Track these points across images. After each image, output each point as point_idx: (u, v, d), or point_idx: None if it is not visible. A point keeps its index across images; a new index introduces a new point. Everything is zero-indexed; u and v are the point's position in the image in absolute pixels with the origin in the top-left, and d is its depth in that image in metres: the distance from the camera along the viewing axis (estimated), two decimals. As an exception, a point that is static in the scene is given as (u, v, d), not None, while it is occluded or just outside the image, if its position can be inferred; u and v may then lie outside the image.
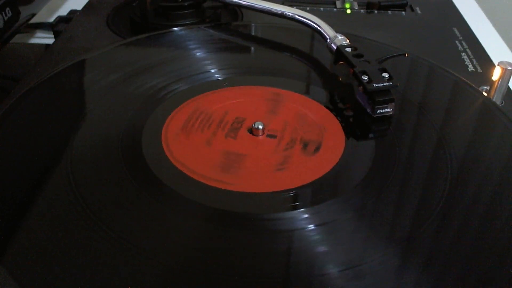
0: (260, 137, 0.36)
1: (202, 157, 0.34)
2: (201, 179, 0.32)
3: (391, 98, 0.38)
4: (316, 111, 0.39)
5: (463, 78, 0.43)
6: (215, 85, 0.42)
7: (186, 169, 0.33)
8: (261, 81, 0.43)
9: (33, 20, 0.56)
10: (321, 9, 0.62)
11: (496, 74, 0.41)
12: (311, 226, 0.29)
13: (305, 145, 0.36)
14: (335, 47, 0.43)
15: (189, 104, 0.39)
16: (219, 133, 0.36)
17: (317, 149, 0.35)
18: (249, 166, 0.34)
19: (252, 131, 0.37)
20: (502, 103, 0.43)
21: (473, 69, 0.49)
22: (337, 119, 0.39)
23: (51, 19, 0.60)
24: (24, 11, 0.52)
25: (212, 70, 0.44)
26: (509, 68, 0.41)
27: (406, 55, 0.45)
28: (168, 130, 0.37)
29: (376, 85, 0.38)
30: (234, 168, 0.34)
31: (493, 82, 0.42)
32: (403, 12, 0.62)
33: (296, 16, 0.48)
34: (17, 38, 0.56)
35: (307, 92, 0.42)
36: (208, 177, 0.32)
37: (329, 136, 0.37)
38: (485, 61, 0.51)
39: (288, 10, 0.48)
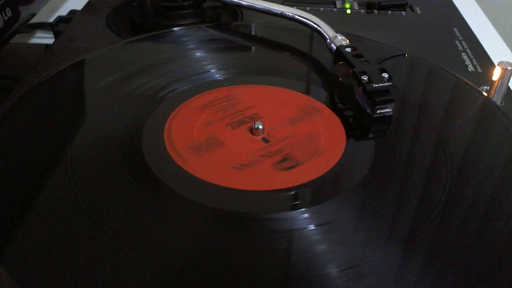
0: (256, 137, 0.36)
1: (190, 133, 0.36)
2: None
3: (391, 98, 0.38)
4: (330, 133, 0.37)
5: (463, 78, 0.43)
6: (215, 85, 0.42)
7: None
8: (261, 81, 0.43)
9: (33, 20, 0.56)
10: (321, 9, 0.62)
11: (496, 74, 0.41)
12: (311, 226, 0.29)
13: (283, 160, 0.34)
14: (335, 47, 0.43)
15: (222, 90, 0.40)
16: (225, 120, 0.37)
17: (290, 167, 0.34)
18: (215, 155, 0.34)
19: (251, 130, 0.37)
20: (502, 103, 0.43)
21: (473, 69, 0.49)
22: (338, 119, 0.39)
23: (51, 19, 0.60)
24: (24, 11, 0.52)
25: (212, 70, 0.44)
26: (509, 68, 0.41)
27: (406, 55, 0.45)
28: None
29: (376, 85, 0.38)
30: (202, 151, 0.34)
31: (493, 82, 0.42)
32: (403, 12, 0.62)
33: (296, 16, 0.48)
34: (17, 38, 0.56)
35: (307, 92, 0.42)
36: (178, 153, 0.33)
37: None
38: (485, 61, 0.51)
39: (288, 10, 0.48)
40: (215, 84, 0.42)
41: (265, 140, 0.36)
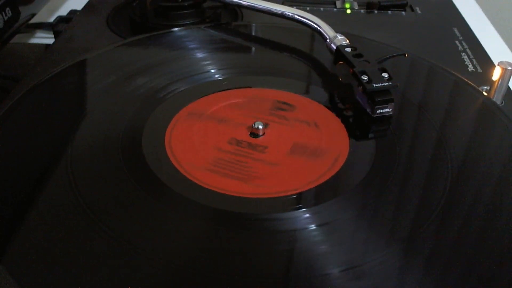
0: (259, 137, 0.36)
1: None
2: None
3: (391, 98, 0.38)
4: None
5: (463, 78, 0.43)
6: (215, 85, 0.42)
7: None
8: (261, 81, 0.43)
9: (33, 20, 0.56)
10: (321, 9, 0.62)
11: (496, 74, 0.41)
12: (312, 226, 0.29)
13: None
14: (334, 47, 0.43)
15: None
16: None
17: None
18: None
19: (252, 131, 0.37)
20: (502, 103, 0.43)
21: (473, 69, 0.49)
22: (338, 119, 0.39)
23: (51, 19, 0.60)
24: (24, 11, 0.52)
25: (212, 70, 0.44)
26: (509, 68, 0.41)
27: (406, 55, 0.45)
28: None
29: (376, 85, 0.38)
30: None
31: (493, 82, 0.42)
32: (403, 12, 0.62)
33: (296, 16, 0.48)
34: (17, 38, 0.56)
35: (307, 92, 0.42)
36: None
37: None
38: (485, 61, 0.51)
39: (288, 10, 0.48)
40: (215, 84, 0.42)
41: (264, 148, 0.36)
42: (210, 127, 0.37)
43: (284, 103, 0.40)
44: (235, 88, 0.42)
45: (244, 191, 0.32)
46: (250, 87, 0.42)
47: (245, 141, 0.36)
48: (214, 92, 0.41)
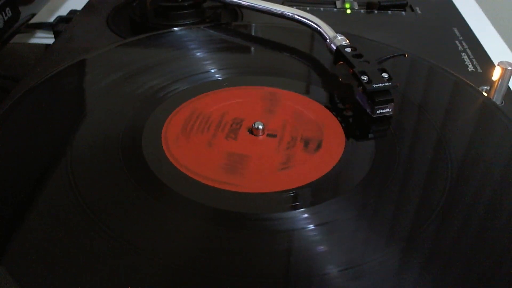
0: (260, 137, 0.36)
1: (204, 158, 0.34)
2: (202, 179, 0.32)
3: (391, 99, 0.38)
4: (313, 109, 0.39)
5: (463, 78, 0.43)
6: (215, 85, 0.42)
7: (185, 169, 0.33)
8: (261, 81, 0.43)
9: (33, 20, 0.56)
10: (321, 9, 0.62)
11: (496, 74, 0.41)
12: (311, 226, 0.29)
13: (306, 143, 0.36)
14: (334, 47, 0.43)
15: (187, 106, 0.39)
16: (219, 135, 0.36)
17: (318, 146, 0.35)
18: (252, 167, 0.34)
19: (252, 131, 0.37)
20: (502, 103, 0.43)
21: (473, 69, 0.49)
22: (337, 119, 0.39)
23: (51, 19, 0.60)
24: (24, 11, 0.52)
25: (212, 70, 0.44)
26: (509, 68, 0.41)
27: (406, 55, 0.45)
28: (168, 130, 0.37)
29: (376, 85, 0.38)
30: (238, 169, 0.33)
31: (493, 82, 0.42)
32: (403, 12, 0.62)
33: (296, 16, 0.48)
34: (17, 38, 0.56)
35: (307, 92, 0.42)
36: (213, 179, 0.32)
37: (329, 135, 0.37)
38: (485, 61, 0.51)
39: (288, 10, 0.48)
40: (215, 84, 0.42)
41: (271, 135, 0.37)
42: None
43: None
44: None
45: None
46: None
47: (240, 136, 0.36)
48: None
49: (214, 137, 0.36)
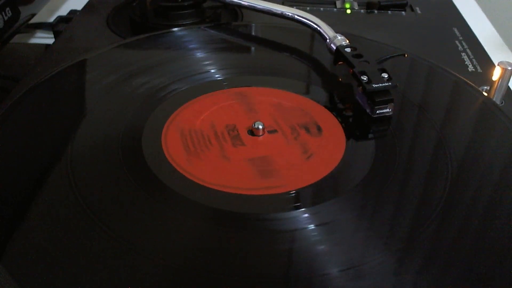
0: (264, 136, 0.36)
1: (230, 171, 0.33)
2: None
3: (390, 99, 0.38)
4: (286, 98, 0.40)
5: (463, 78, 0.43)
6: (215, 85, 0.42)
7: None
8: (261, 81, 0.43)
9: (33, 20, 0.56)
10: (321, 9, 0.62)
11: (496, 74, 0.41)
12: (311, 226, 0.29)
13: (307, 129, 0.37)
14: (334, 47, 0.43)
15: (174, 124, 0.37)
16: (225, 146, 0.35)
17: (319, 129, 0.36)
18: (282, 164, 0.34)
19: (253, 132, 0.37)
20: (502, 103, 0.43)
21: (473, 69, 0.49)
22: (337, 119, 0.39)
23: (51, 19, 0.60)
24: (24, 11, 0.52)
25: (212, 70, 0.44)
26: (509, 68, 0.41)
27: (406, 55, 0.45)
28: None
29: (376, 85, 0.38)
30: (270, 171, 0.33)
31: (493, 82, 0.42)
32: (403, 12, 0.62)
33: (296, 16, 0.48)
34: (17, 38, 0.56)
35: (306, 92, 0.42)
36: (251, 188, 0.32)
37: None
38: (485, 61, 0.51)
39: (288, 10, 0.48)
40: (215, 84, 0.42)
41: (272, 131, 0.37)
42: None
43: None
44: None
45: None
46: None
47: (245, 141, 0.36)
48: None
49: (223, 149, 0.35)
